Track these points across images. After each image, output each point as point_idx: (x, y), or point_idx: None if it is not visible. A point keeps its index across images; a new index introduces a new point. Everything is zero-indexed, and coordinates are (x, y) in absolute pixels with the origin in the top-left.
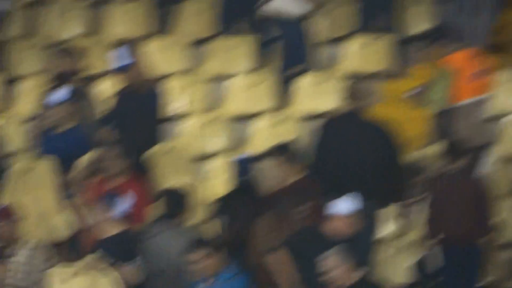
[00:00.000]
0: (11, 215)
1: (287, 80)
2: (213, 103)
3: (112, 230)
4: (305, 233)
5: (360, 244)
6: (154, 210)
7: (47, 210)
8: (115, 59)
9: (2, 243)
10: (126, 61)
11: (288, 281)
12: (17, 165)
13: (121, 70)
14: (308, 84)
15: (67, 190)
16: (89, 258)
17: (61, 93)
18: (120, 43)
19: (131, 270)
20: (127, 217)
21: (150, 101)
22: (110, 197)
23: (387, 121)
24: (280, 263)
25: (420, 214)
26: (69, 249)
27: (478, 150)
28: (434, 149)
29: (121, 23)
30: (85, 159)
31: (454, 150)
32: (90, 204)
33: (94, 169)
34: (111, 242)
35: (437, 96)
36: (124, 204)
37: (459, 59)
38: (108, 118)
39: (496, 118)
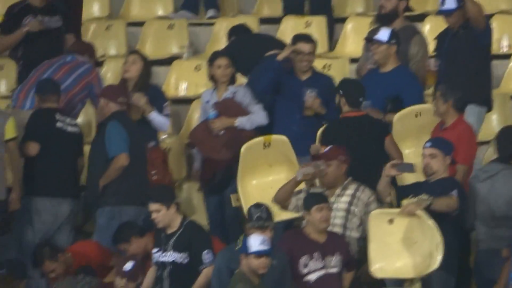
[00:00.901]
0: (337, 157)
1: None
2: None
3: (439, 174)
4: None
5: None
6: (486, 150)
7: None
8: (441, 1)
9: (326, 186)
10: (452, 4)
11: None
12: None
13: (446, 12)
14: None
15: None
16: (411, 201)
17: (384, 33)
18: None
19: (448, 201)
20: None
21: (480, 40)
22: (437, 140)
23: None
24: None
25: None
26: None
27: None
28: None
29: None
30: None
31: None
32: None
33: None
34: (433, 185)
35: None
36: (449, 145)
37: None
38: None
39: None
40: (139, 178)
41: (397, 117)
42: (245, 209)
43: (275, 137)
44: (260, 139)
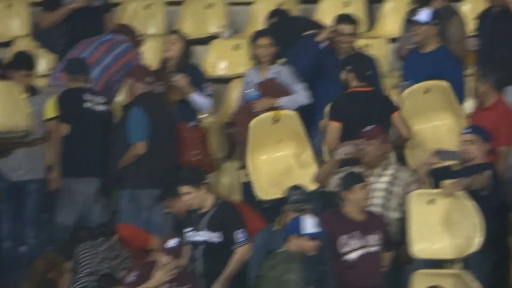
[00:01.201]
0: (378, 136)
1: None
2: None
3: (478, 160)
4: None
5: None
6: None
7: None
8: None
9: (366, 165)
10: None
11: None
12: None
13: None
14: None
15: None
16: (449, 183)
17: (425, 13)
18: None
19: (482, 177)
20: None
21: None
22: (476, 127)
23: None
24: None
25: None
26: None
27: None
28: None
29: None
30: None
31: None
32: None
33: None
34: (469, 170)
35: None
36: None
37: None
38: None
39: None
40: (161, 161)
41: (406, 93)
42: (255, 184)
43: (284, 112)
44: (269, 114)
